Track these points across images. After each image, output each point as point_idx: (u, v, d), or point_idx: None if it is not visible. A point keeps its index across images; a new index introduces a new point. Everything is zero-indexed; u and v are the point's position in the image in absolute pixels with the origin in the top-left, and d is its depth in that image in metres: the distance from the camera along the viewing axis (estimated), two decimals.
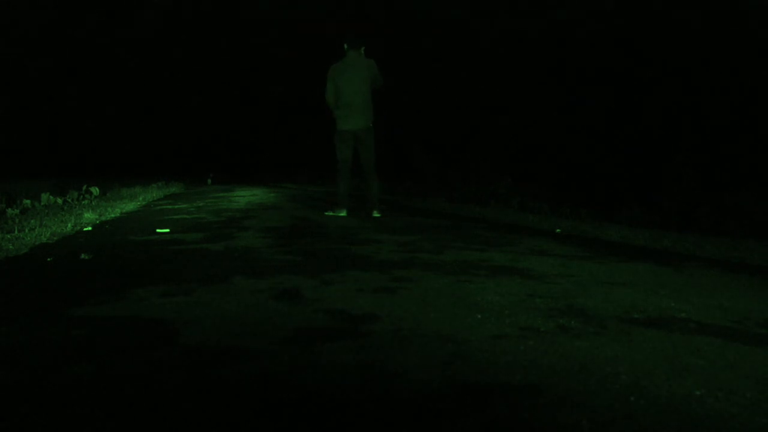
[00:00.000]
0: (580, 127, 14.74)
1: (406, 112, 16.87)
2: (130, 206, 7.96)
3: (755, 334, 1.96)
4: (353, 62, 6.19)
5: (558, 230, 5.29)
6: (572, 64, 15.34)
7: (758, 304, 2.38)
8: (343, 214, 6.24)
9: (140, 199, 9.68)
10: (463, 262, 3.30)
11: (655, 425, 1.27)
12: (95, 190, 9.30)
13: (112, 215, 6.51)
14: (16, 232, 4.63)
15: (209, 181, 21.64)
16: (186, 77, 28.03)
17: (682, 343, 1.84)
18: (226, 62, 28.01)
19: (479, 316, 2.13)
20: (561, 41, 15.46)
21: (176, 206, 8.06)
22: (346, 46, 6.26)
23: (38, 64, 24.30)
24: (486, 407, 1.35)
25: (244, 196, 10.33)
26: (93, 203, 8.19)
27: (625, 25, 14.32)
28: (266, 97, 27.65)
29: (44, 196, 7.61)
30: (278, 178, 23.19)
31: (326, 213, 6.47)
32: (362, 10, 20.28)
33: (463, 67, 17.52)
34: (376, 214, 6.18)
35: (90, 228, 5.12)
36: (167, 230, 4.93)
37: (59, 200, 7.84)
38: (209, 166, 24.96)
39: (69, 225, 5.21)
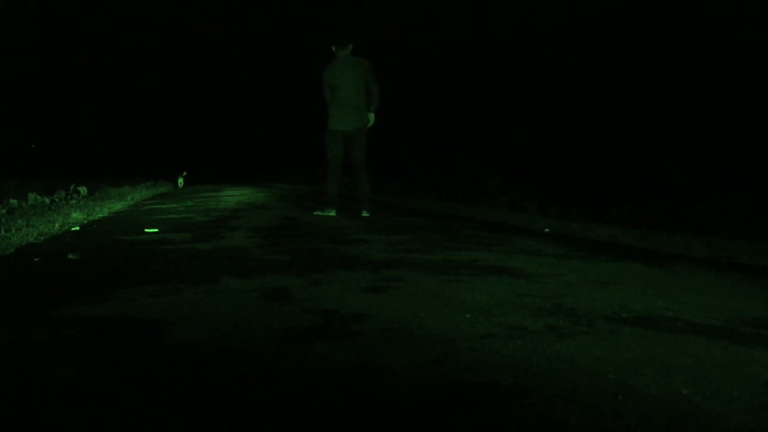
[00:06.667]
0: (569, 126, 14.80)
1: (394, 111, 16.87)
2: (118, 206, 7.91)
3: (742, 333, 1.97)
4: (344, 62, 6.15)
5: (547, 230, 5.31)
6: (561, 62, 15.38)
7: (745, 303, 2.40)
8: (333, 213, 6.22)
9: (128, 198, 9.62)
10: (452, 262, 3.30)
11: (642, 423, 1.28)
12: (83, 190, 9.23)
13: (100, 215, 6.46)
14: (2, 232, 4.59)
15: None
16: (175, 76, 27.94)
17: (670, 342, 1.86)
18: (217, 60, 27.93)
19: (468, 316, 2.14)
20: (550, 37, 15.50)
21: (165, 206, 8.02)
22: (333, 48, 6.24)
23: (26, 65, 24.16)
24: (475, 406, 1.36)
25: (233, 196, 10.29)
26: (81, 203, 8.13)
27: (618, 19, 14.37)
28: (257, 95, 27.58)
29: (31, 196, 7.54)
30: (268, 177, 23.11)
31: (315, 213, 6.45)
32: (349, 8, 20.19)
33: (452, 65, 17.55)
34: (365, 214, 6.17)
35: (78, 228, 5.09)
36: (156, 230, 4.90)
37: (46, 200, 7.78)
38: (199, 165, 24.13)
39: (56, 225, 5.17)
